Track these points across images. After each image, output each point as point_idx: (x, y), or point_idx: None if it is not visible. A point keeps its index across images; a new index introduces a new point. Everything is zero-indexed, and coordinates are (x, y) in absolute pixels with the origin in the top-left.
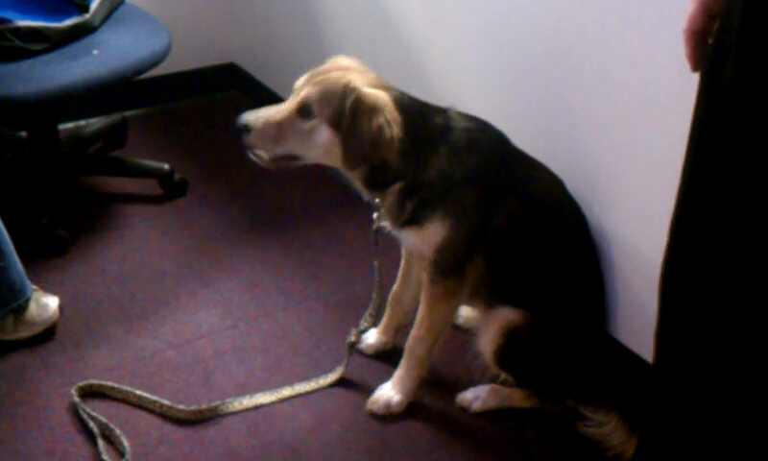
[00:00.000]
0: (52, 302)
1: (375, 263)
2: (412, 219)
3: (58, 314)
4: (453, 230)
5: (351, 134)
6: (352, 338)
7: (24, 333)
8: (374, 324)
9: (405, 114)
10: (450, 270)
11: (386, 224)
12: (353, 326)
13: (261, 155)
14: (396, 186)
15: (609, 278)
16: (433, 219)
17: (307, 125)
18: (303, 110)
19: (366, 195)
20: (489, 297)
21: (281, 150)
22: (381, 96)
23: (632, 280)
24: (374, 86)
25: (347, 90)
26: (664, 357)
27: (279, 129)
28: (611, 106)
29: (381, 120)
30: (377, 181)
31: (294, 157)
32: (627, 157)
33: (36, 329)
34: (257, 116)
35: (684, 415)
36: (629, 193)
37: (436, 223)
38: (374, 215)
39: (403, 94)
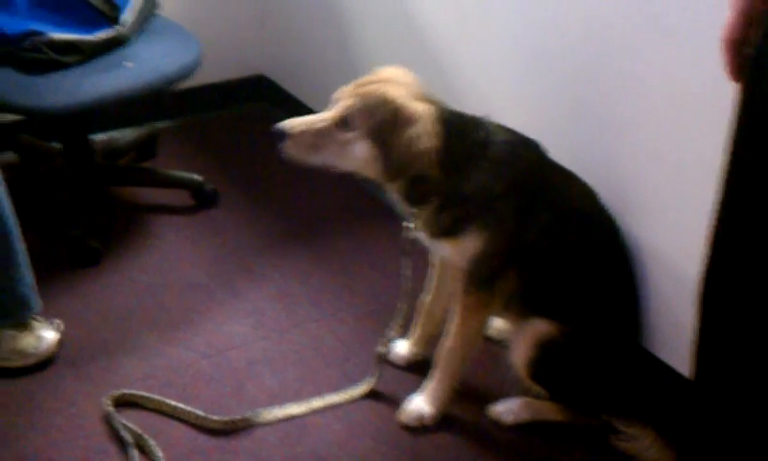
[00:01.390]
0: (49, 335)
1: (405, 273)
2: (448, 231)
3: (54, 349)
4: (489, 243)
5: (389, 146)
6: (381, 349)
7: (17, 362)
8: (403, 334)
9: (446, 128)
10: (484, 281)
11: (420, 235)
12: (384, 337)
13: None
14: (435, 200)
15: (643, 290)
16: (470, 231)
17: (345, 137)
18: (342, 122)
19: (403, 208)
20: (521, 308)
21: (317, 159)
22: (420, 108)
23: (667, 293)
24: (417, 99)
25: (386, 103)
26: (703, 372)
27: (317, 138)
28: (643, 116)
29: (419, 132)
30: (416, 194)
31: (331, 166)
32: (661, 167)
33: (29, 361)
34: (295, 124)
35: (723, 431)
36: (663, 203)
37: (473, 235)
38: (405, 224)
39: (445, 107)
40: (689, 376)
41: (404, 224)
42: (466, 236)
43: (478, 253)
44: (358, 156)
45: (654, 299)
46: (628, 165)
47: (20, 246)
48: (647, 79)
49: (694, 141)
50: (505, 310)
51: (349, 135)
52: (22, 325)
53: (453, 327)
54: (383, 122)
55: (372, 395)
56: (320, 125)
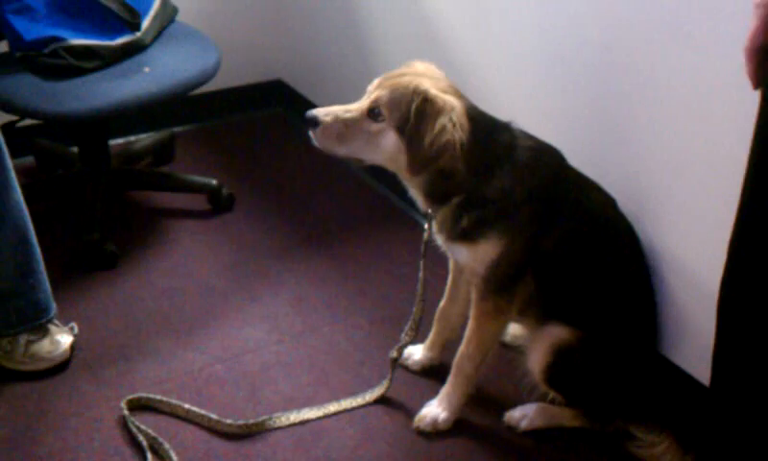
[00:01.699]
0: (65, 340)
1: (420, 275)
2: (466, 234)
3: (68, 354)
4: (507, 248)
5: (417, 136)
6: (394, 354)
7: (29, 366)
8: (415, 337)
9: (474, 125)
10: (501, 287)
11: (437, 237)
12: (398, 342)
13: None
14: (455, 200)
15: (662, 297)
16: (488, 236)
17: (375, 127)
18: (373, 112)
19: (422, 205)
20: (538, 314)
21: (345, 150)
22: (451, 100)
23: (686, 300)
24: (447, 93)
25: (416, 93)
26: (722, 379)
27: (347, 128)
28: (663, 123)
29: (448, 123)
30: (438, 191)
31: (358, 157)
32: (680, 174)
33: (42, 365)
34: (327, 112)
35: (743, 439)
36: (683, 211)
37: (491, 240)
38: (426, 226)
39: (474, 106)
40: (707, 382)
41: (425, 226)
42: (484, 241)
43: (496, 258)
44: (385, 147)
45: (672, 305)
46: (647, 172)
47: (38, 252)
48: (667, 85)
49: (714, 148)
50: (521, 316)
51: (378, 126)
52: (39, 329)
53: (469, 332)
54: (412, 112)
55: (387, 400)
56: (349, 115)
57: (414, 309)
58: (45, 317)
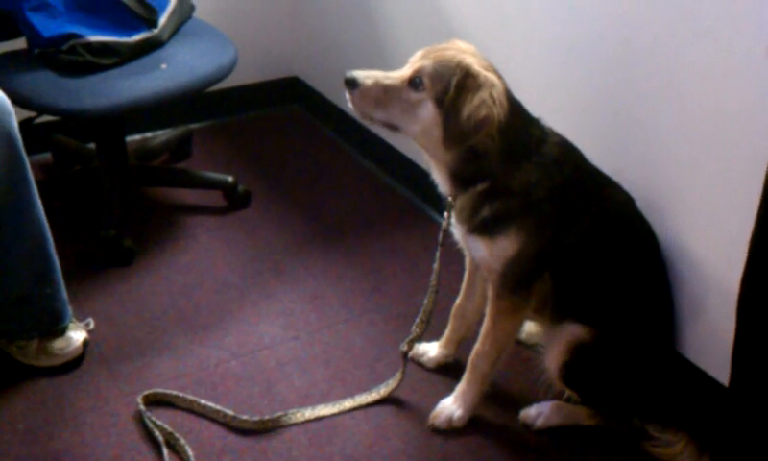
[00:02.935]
0: (77, 336)
1: (435, 266)
2: (485, 226)
3: (81, 350)
4: (525, 246)
5: (455, 109)
6: (405, 347)
7: (43, 363)
8: (425, 329)
9: (512, 108)
10: (517, 285)
11: (456, 228)
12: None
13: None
14: (480, 187)
15: (680, 295)
16: (507, 232)
17: (414, 97)
18: (414, 82)
19: (444, 188)
20: (555, 313)
21: (382, 115)
22: (492, 77)
23: (705, 298)
24: (491, 68)
25: (458, 67)
26: (742, 378)
27: (386, 94)
28: (682, 119)
29: (488, 98)
30: (466, 172)
31: (392, 126)
32: (700, 171)
33: (57, 361)
34: (367, 75)
35: (762, 439)
36: (702, 208)
37: (509, 236)
38: (445, 214)
39: (511, 93)
40: (725, 381)
41: (445, 214)
42: (502, 237)
43: (513, 255)
44: (423, 118)
45: (691, 303)
46: (665, 168)
47: (56, 261)
48: (686, 80)
49: (735, 145)
50: (537, 314)
51: (418, 96)
52: (53, 333)
53: (485, 330)
54: (453, 85)
55: (402, 397)
56: (390, 81)
57: (425, 301)
58: (60, 324)
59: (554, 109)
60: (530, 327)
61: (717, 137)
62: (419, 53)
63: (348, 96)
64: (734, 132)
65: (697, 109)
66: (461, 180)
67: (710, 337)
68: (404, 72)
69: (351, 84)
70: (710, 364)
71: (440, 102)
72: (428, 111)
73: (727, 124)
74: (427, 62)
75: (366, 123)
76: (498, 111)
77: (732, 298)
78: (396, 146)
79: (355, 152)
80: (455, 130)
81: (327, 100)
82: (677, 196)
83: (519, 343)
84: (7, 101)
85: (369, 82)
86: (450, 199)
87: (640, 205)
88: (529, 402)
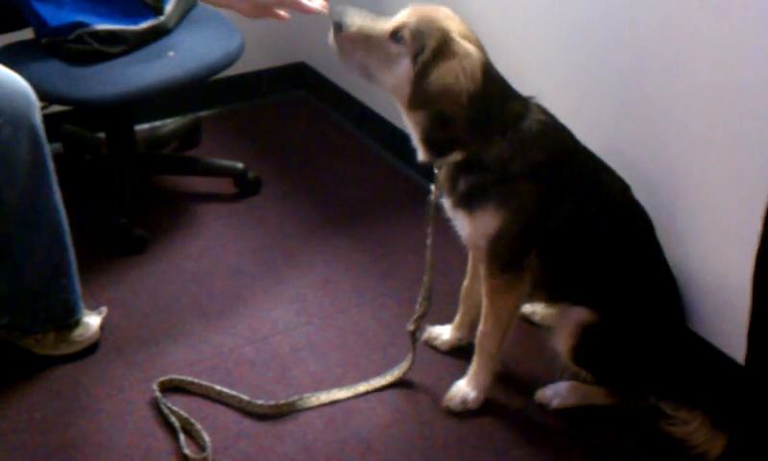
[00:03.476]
0: (94, 321)
1: (428, 242)
2: (463, 201)
3: (98, 335)
4: (505, 223)
5: (425, 71)
6: (411, 326)
7: (63, 350)
8: (429, 307)
9: (487, 82)
10: (507, 264)
11: (444, 204)
12: (427, 322)
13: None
14: (453, 157)
15: (693, 274)
16: (486, 207)
17: (394, 49)
18: (396, 35)
19: (422, 156)
20: (548, 294)
21: (360, 61)
22: (469, 48)
23: (719, 274)
24: (472, 39)
25: (439, 30)
26: (758, 356)
27: (367, 41)
28: (692, 98)
29: (458, 67)
30: (436, 139)
31: (369, 75)
32: (711, 148)
33: (75, 348)
34: (353, 21)
35: None
36: (714, 184)
37: (488, 212)
38: (432, 186)
39: (494, 67)
40: (741, 360)
41: (432, 186)
42: (481, 212)
43: (494, 232)
44: (397, 72)
45: (704, 280)
46: (674, 148)
47: (72, 255)
48: (695, 61)
49: (746, 123)
50: (533, 295)
51: (397, 49)
52: (65, 327)
53: (484, 310)
54: (428, 47)
55: (417, 380)
56: (374, 30)
57: (424, 278)
58: (73, 317)
59: (555, 86)
60: (543, 309)
61: (729, 114)
62: (408, 8)
63: (331, 36)
64: (747, 108)
65: (708, 86)
66: (432, 145)
67: (726, 314)
68: (388, 24)
69: (337, 26)
70: (726, 342)
71: (415, 59)
72: (404, 67)
73: (739, 101)
74: (412, 19)
75: (345, 65)
76: (466, 82)
77: (747, 276)
78: (406, 130)
79: (364, 136)
80: (420, 91)
81: (335, 85)
82: (689, 173)
83: (533, 324)
84: (32, 93)
85: (353, 28)
86: (436, 171)
87: (648, 182)
88: (544, 384)
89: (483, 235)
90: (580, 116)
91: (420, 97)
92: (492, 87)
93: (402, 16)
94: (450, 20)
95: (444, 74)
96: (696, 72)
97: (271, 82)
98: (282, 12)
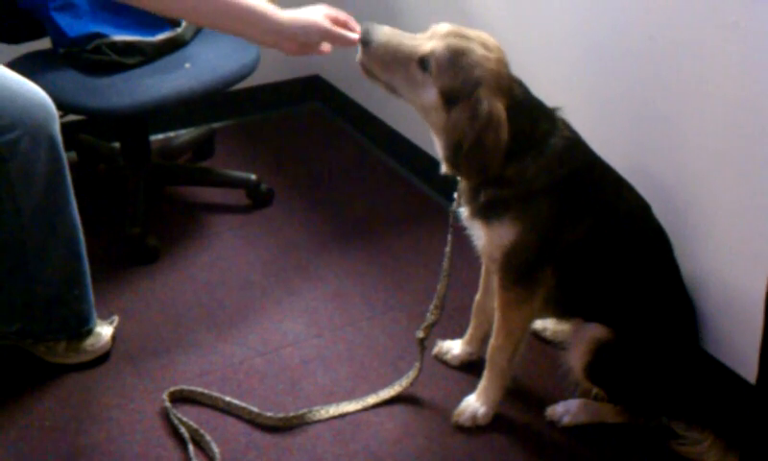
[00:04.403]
0: (106, 331)
1: (447, 249)
2: (482, 212)
3: (110, 345)
4: (522, 236)
5: (459, 126)
6: (420, 334)
7: (73, 359)
8: (440, 316)
9: (514, 113)
10: (521, 277)
11: (463, 212)
12: (437, 337)
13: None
14: None
15: (706, 293)
16: (503, 219)
17: (420, 77)
18: (424, 62)
19: (444, 167)
20: (561, 310)
21: (386, 79)
22: (500, 112)
23: (731, 295)
24: (502, 86)
25: (470, 69)
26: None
27: (394, 60)
28: (708, 115)
29: (492, 136)
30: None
31: (396, 92)
32: (726, 167)
33: (86, 358)
34: (381, 37)
35: None
36: (729, 204)
37: (505, 224)
38: (455, 195)
39: (520, 89)
40: (753, 380)
41: (455, 194)
42: (498, 224)
43: (510, 244)
44: (424, 100)
45: (717, 301)
46: (691, 166)
47: (86, 265)
48: (712, 76)
49: (762, 141)
50: (544, 310)
51: (423, 77)
52: (77, 336)
53: (496, 324)
54: (459, 90)
55: (426, 395)
56: (402, 50)
57: (438, 286)
58: (85, 327)
59: (572, 100)
60: (554, 325)
61: (746, 131)
62: (444, 27)
63: (359, 51)
64: (764, 125)
65: (724, 103)
66: (457, 161)
67: (737, 335)
68: (419, 45)
69: (365, 40)
70: (738, 362)
71: (445, 94)
72: (430, 96)
73: (755, 117)
74: (441, 47)
75: (368, 79)
76: (497, 143)
77: (760, 295)
78: (418, 144)
79: (377, 150)
80: (453, 142)
81: (349, 98)
82: (704, 191)
83: (545, 341)
84: (52, 105)
85: (381, 46)
86: (459, 180)
87: (664, 200)
88: (554, 400)
89: (498, 246)
90: (598, 131)
91: (451, 145)
92: (523, 121)
93: (433, 42)
94: (483, 56)
95: (477, 138)
96: (712, 89)
97: (285, 94)
98: (325, 46)
